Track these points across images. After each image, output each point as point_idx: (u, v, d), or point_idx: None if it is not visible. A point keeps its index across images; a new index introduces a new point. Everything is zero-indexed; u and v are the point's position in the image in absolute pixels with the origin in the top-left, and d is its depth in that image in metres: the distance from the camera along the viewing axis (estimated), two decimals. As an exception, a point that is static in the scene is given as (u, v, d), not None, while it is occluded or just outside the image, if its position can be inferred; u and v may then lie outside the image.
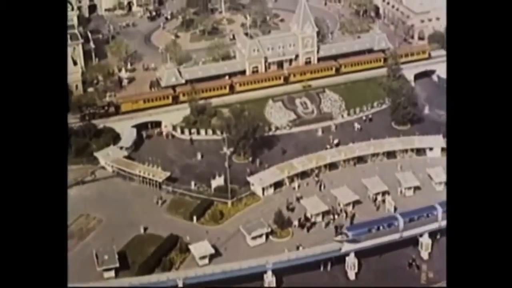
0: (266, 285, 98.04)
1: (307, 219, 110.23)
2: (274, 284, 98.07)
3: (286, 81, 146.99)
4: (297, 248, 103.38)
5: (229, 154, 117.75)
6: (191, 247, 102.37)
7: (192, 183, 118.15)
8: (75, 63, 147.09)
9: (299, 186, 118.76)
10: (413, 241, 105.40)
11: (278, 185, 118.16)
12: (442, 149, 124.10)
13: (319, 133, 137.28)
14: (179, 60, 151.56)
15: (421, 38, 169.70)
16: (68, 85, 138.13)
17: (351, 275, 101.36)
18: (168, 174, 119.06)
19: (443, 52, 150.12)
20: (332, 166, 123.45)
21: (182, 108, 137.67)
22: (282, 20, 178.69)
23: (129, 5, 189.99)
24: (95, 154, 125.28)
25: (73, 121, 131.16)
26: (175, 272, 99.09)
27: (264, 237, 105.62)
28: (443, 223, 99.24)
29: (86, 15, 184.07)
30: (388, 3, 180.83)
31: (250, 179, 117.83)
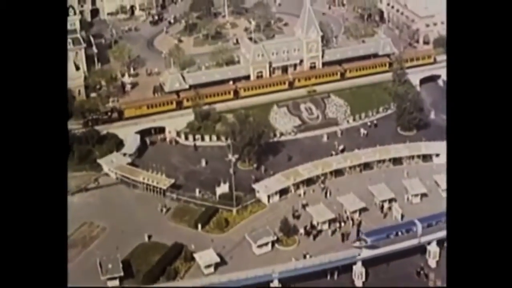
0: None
1: (313, 227, 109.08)
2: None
3: (291, 86, 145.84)
4: (304, 256, 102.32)
5: (234, 161, 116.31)
6: (196, 255, 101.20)
7: (197, 190, 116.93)
8: (77, 68, 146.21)
9: (304, 193, 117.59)
10: (421, 249, 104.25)
11: (283, 192, 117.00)
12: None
13: (324, 139, 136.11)
14: (183, 65, 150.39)
15: (426, 42, 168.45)
16: (70, 90, 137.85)
17: (358, 284, 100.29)
18: (172, 181, 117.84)
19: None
20: (338, 172, 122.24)
21: (186, 113, 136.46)
22: (286, 24, 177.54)
23: (132, 9, 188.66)
24: (99, 160, 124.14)
25: (76, 127, 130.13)
26: (180, 281, 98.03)
27: (270, 245, 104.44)
28: None
29: (89, 19, 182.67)
30: (392, 7, 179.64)
31: (255, 186, 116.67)
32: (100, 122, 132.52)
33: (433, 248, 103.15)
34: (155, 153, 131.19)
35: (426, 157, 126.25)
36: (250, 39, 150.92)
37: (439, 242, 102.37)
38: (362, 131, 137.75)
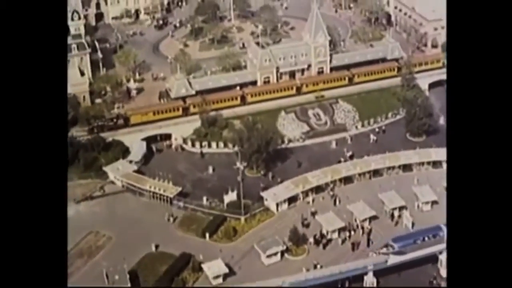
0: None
1: (322, 235, 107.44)
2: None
3: (299, 91, 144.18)
4: (315, 266, 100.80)
5: (242, 168, 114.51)
6: (204, 266, 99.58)
7: (204, 198, 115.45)
8: (82, 73, 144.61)
9: (313, 201, 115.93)
10: (433, 259, 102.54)
11: (292, 200, 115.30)
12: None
13: (333, 145, 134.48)
14: (189, 70, 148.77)
15: (434, 46, 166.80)
16: (75, 96, 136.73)
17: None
18: (179, 189, 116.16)
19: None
20: (347, 180, 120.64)
21: (192, 120, 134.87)
22: (292, 28, 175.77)
23: (137, 13, 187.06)
24: (104, 168, 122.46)
25: (81, 134, 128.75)
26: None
27: (279, 255, 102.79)
28: None
29: (93, 23, 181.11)
30: (400, 11, 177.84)
31: (263, 194, 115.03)
32: (105, 128, 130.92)
33: (445, 258, 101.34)
34: (162, 160, 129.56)
35: (436, 164, 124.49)
36: (257, 43, 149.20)
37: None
38: (372, 137, 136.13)
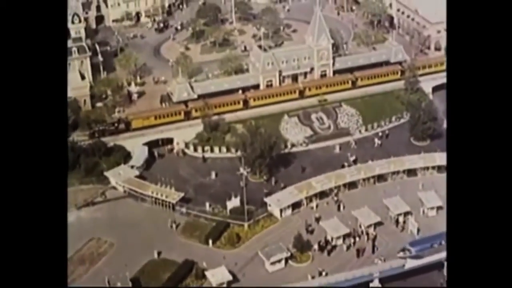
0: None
1: (327, 242, 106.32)
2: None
3: (302, 95, 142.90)
4: (320, 273, 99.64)
5: (245, 174, 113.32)
6: (207, 273, 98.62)
7: (207, 204, 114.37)
8: (82, 77, 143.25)
9: (317, 206, 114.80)
10: (438, 266, 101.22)
11: (296, 205, 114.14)
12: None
13: (337, 149, 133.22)
14: (190, 73, 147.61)
15: (437, 48, 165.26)
16: (76, 100, 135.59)
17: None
18: (181, 195, 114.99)
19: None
20: (352, 185, 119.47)
21: (194, 124, 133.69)
22: (294, 31, 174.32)
23: (137, 16, 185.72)
24: (106, 173, 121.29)
25: (82, 138, 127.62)
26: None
27: (283, 262, 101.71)
28: None
29: (93, 26, 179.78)
30: (403, 13, 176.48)
31: (267, 200, 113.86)
32: (106, 133, 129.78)
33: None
34: (163, 165, 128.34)
35: (441, 168, 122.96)
36: (260, 47, 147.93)
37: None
38: (377, 141, 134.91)
